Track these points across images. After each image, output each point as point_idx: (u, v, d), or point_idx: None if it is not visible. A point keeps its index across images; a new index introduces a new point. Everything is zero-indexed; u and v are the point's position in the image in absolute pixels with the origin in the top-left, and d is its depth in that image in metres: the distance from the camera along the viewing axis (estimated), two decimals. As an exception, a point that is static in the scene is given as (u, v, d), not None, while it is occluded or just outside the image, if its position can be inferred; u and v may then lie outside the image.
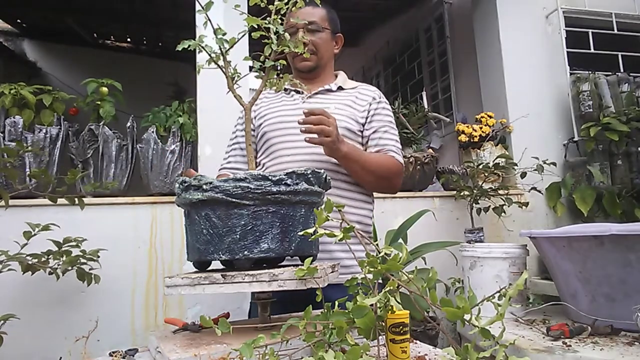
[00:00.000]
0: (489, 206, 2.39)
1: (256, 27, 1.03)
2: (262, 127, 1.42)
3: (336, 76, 1.51)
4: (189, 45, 1.00)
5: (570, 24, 2.95)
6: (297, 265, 0.92)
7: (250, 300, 1.47)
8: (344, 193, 1.35)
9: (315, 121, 1.17)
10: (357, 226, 1.37)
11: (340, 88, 1.45)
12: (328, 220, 0.80)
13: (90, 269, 1.76)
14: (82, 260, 1.72)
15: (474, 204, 2.39)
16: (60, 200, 1.70)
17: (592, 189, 2.56)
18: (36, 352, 1.86)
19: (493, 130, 2.76)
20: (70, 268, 1.70)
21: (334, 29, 1.47)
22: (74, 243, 1.71)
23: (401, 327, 0.73)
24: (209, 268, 1.04)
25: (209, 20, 1.02)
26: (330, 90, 1.44)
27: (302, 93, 1.44)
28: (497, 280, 1.76)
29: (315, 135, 1.18)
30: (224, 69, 1.05)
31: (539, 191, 2.51)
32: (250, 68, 1.16)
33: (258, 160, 1.44)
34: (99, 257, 1.77)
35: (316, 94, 1.43)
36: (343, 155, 1.25)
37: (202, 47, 1.01)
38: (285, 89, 1.46)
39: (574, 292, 1.58)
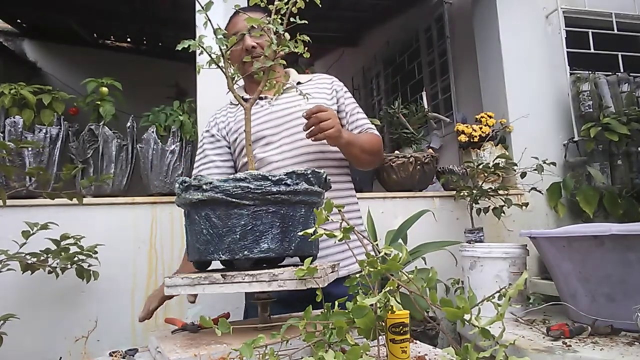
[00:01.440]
0: (489, 206, 2.39)
1: (256, 27, 1.03)
2: (239, 141, 1.40)
3: (288, 74, 1.50)
4: (189, 46, 1.00)
5: (570, 24, 2.95)
6: (297, 265, 0.92)
7: (245, 302, 1.48)
8: (339, 191, 1.37)
9: (316, 121, 1.19)
10: (356, 222, 1.40)
11: (299, 83, 1.46)
12: (327, 220, 0.80)
13: (88, 266, 1.76)
14: (81, 257, 1.72)
15: (473, 204, 2.39)
16: (60, 200, 1.69)
17: (595, 190, 2.55)
18: (36, 352, 1.86)
19: (493, 130, 2.76)
20: (69, 266, 1.70)
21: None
22: (72, 240, 1.71)
23: (401, 327, 0.73)
24: (209, 268, 1.04)
25: (209, 20, 1.02)
26: (289, 88, 1.43)
27: (266, 98, 1.42)
28: (497, 280, 1.76)
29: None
30: (224, 69, 1.05)
31: (539, 191, 2.51)
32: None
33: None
34: (96, 252, 1.77)
35: (280, 94, 1.41)
36: (346, 142, 1.27)
37: (203, 48, 1.01)
38: (247, 99, 1.46)
39: (574, 292, 1.58)
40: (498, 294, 0.73)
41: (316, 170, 0.99)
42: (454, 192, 2.50)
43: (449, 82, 3.76)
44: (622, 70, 2.96)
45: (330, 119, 1.20)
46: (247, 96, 1.43)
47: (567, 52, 2.88)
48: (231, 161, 1.45)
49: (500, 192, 2.37)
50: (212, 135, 1.46)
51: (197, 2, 1.04)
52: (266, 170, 1.32)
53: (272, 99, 1.41)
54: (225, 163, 1.44)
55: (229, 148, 1.45)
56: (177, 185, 0.96)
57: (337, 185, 1.38)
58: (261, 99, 1.42)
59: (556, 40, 2.93)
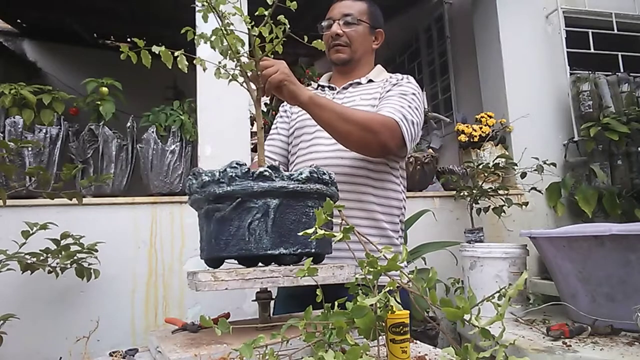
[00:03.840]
0: (489, 206, 2.39)
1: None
2: (295, 122, 1.44)
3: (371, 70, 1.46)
4: (193, 39, 1.01)
5: (570, 24, 2.95)
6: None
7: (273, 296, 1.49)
8: (373, 190, 1.29)
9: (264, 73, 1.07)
10: (387, 226, 1.33)
11: (370, 81, 1.41)
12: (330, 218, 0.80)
13: (89, 265, 1.76)
14: (81, 256, 1.72)
15: (473, 204, 2.39)
16: (60, 200, 1.69)
17: (594, 189, 2.56)
18: (36, 352, 1.86)
19: (493, 130, 2.76)
20: (69, 265, 1.70)
21: (374, 24, 1.42)
22: (71, 240, 1.71)
23: (401, 327, 0.73)
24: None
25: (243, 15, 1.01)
26: (359, 84, 1.40)
27: (335, 89, 1.42)
28: (497, 280, 1.76)
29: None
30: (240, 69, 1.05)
31: (539, 191, 2.51)
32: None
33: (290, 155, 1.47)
34: (97, 250, 1.77)
35: (345, 88, 1.40)
36: (308, 99, 1.13)
37: (221, 69, 1.03)
38: (322, 86, 1.47)
39: (574, 292, 1.58)
40: (498, 294, 0.73)
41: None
42: (454, 192, 2.50)
43: (449, 82, 3.76)
44: (622, 70, 2.97)
45: (274, 65, 1.07)
46: (324, 83, 1.47)
47: (567, 52, 2.88)
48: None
49: (500, 192, 2.37)
50: (285, 111, 1.51)
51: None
52: (308, 156, 1.35)
53: (337, 90, 1.41)
54: (288, 138, 1.49)
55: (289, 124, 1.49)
56: (260, 172, 0.89)
57: (379, 192, 1.29)
58: (331, 88, 1.44)
59: (556, 40, 2.93)
